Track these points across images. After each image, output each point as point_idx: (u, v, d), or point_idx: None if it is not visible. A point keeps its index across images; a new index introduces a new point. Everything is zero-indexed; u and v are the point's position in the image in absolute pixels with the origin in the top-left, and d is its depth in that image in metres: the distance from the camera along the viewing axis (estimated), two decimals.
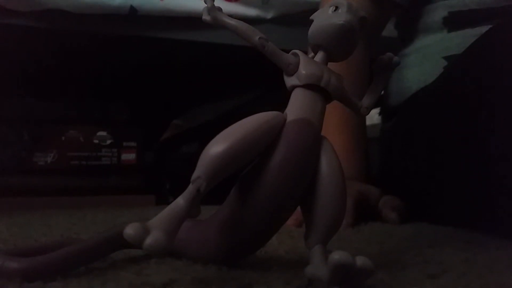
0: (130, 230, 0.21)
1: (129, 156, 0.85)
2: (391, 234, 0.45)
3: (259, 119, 0.26)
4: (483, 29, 0.51)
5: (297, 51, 0.28)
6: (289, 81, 0.28)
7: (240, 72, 0.87)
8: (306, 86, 0.27)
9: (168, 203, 0.23)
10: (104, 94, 0.93)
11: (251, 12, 0.74)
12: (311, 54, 0.29)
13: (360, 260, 0.23)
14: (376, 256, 0.34)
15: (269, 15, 0.75)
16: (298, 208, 0.28)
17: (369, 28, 0.53)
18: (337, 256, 0.23)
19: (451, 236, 0.45)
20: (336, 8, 0.27)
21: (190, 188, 0.24)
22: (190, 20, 0.70)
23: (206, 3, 0.28)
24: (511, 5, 0.55)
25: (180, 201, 0.23)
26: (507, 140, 0.42)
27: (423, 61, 0.62)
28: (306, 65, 0.27)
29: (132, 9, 0.67)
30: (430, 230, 0.49)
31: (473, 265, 0.31)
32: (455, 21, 0.60)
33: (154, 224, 0.22)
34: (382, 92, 0.58)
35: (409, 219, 0.54)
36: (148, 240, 0.21)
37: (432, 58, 0.61)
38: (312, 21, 0.28)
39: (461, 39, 0.57)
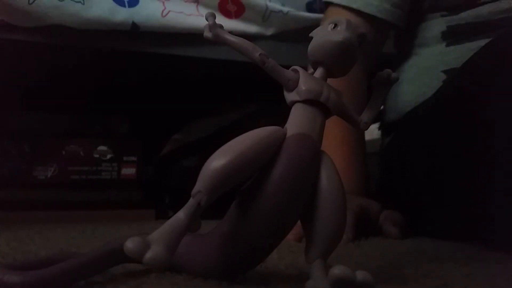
0: (130, 244, 0.21)
1: (129, 171, 0.85)
2: (392, 249, 0.45)
3: (259, 134, 0.26)
4: (481, 42, 0.51)
5: (297, 67, 0.29)
6: (289, 96, 0.28)
7: (240, 87, 0.87)
8: (306, 102, 0.28)
9: (168, 218, 0.24)
10: (104, 108, 0.93)
11: (251, 29, 0.75)
12: (311, 70, 0.29)
13: (360, 275, 0.23)
14: (376, 271, 0.34)
15: (269, 32, 0.76)
16: (299, 222, 0.28)
17: (367, 47, 0.53)
18: (337, 270, 0.23)
19: (452, 250, 0.45)
20: (335, 25, 0.28)
21: (191, 202, 0.24)
22: (191, 36, 0.71)
23: (207, 21, 0.28)
24: (507, 17, 0.55)
25: (180, 215, 0.23)
26: (506, 153, 0.42)
27: (422, 75, 0.63)
28: (306, 81, 0.28)
29: (134, 25, 0.67)
30: (430, 245, 0.49)
31: (474, 280, 0.31)
32: (454, 35, 0.60)
33: (154, 238, 0.22)
34: (382, 107, 0.58)
35: (409, 234, 0.54)
36: (148, 254, 0.21)
37: (431, 72, 0.61)
38: (311, 38, 0.29)
39: (459, 53, 0.58)
